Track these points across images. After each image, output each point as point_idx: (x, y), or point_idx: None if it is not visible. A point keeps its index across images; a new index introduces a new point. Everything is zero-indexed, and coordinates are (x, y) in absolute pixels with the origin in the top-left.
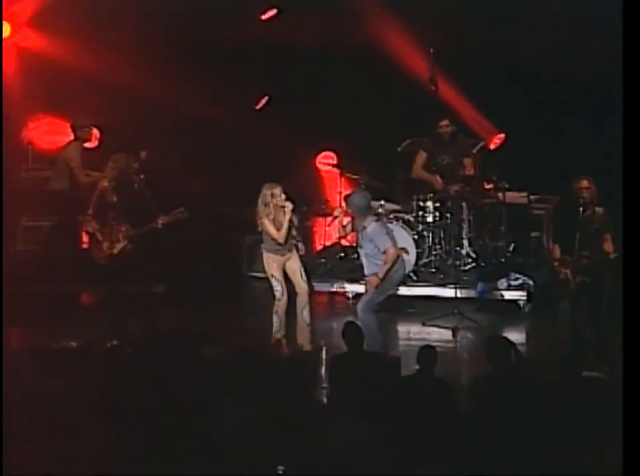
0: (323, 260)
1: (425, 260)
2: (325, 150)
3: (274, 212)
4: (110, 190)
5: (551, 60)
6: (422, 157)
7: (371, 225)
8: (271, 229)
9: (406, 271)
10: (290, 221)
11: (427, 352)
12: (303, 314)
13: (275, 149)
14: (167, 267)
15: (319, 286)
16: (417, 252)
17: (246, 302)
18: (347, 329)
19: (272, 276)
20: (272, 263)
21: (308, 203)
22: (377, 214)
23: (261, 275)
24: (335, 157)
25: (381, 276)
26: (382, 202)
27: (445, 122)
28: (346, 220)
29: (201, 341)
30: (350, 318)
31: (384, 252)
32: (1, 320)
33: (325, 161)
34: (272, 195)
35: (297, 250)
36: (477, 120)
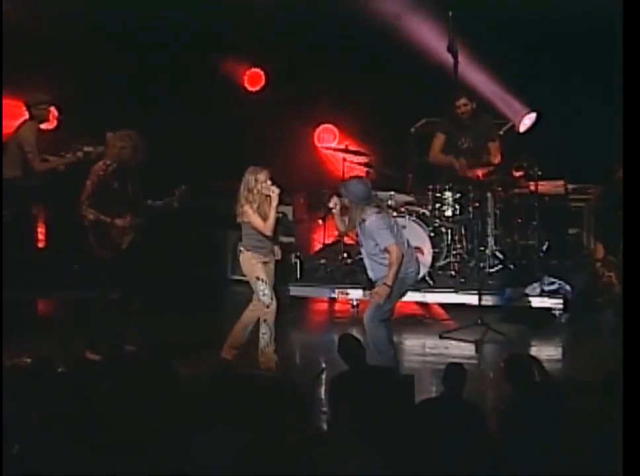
0: (323, 262)
1: (443, 262)
2: (324, 123)
3: (259, 200)
4: (110, 173)
5: (591, 23)
6: (440, 139)
7: (370, 218)
8: (255, 218)
9: (421, 274)
10: (277, 209)
11: (455, 370)
12: (248, 328)
13: (267, 127)
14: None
15: (317, 292)
16: (433, 252)
17: (230, 310)
18: (343, 343)
19: (258, 278)
20: (255, 264)
21: (307, 193)
22: (379, 205)
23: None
24: (336, 133)
25: (390, 282)
26: (392, 193)
27: (463, 101)
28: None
29: (177, 356)
30: (348, 331)
31: (385, 251)
32: (1, 325)
33: (325, 145)
34: (256, 180)
35: (274, 254)
36: (503, 97)
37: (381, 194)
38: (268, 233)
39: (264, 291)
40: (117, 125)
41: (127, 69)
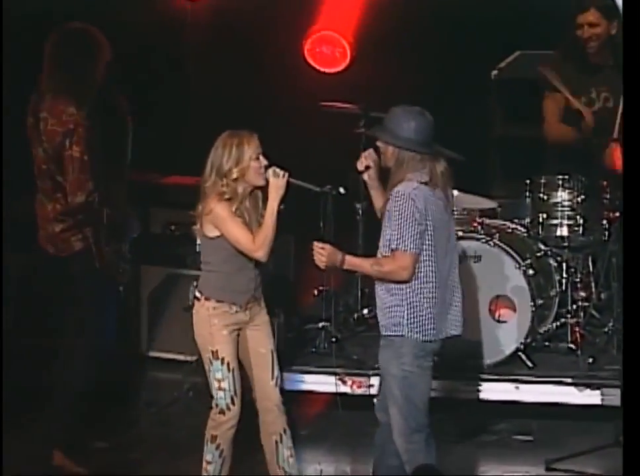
0: (323, 324)
1: (552, 324)
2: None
3: (242, 194)
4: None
5: None
6: (555, 100)
7: (395, 190)
8: (235, 227)
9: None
10: (279, 209)
11: None
12: (280, 455)
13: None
14: None
15: (313, 383)
16: (534, 306)
17: (143, 423)
18: None
19: (216, 356)
20: (218, 327)
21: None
22: (430, 177)
23: (180, 357)
24: (345, 47)
25: (349, 263)
26: (454, 193)
27: (591, 15)
28: None
29: None
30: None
31: (390, 256)
32: (1, 327)
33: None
34: (240, 156)
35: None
36: None
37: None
38: (260, 253)
39: (220, 383)
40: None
41: None
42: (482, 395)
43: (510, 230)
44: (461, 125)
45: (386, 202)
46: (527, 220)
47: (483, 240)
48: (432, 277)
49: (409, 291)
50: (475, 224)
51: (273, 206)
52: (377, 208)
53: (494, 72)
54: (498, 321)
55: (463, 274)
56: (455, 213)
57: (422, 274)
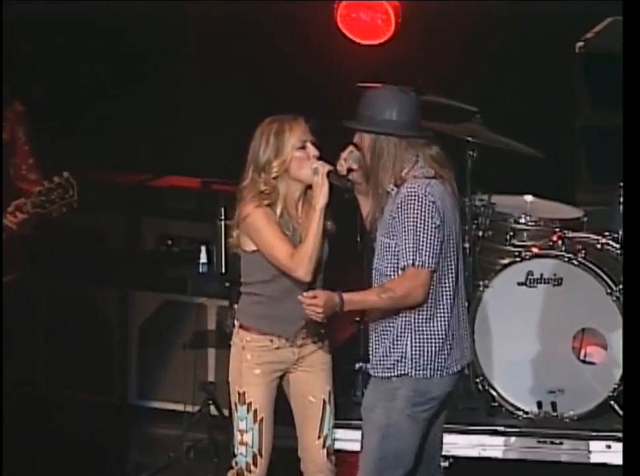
0: (358, 367)
1: None
2: None
3: (286, 193)
4: None
5: None
6: None
7: (405, 189)
8: (274, 241)
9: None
10: (325, 217)
11: None
12: None
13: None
14: None
15: (347, 439)
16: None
17: None
18: None
19: (242, 399)
20: (250, 364)
21: None
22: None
23: (178, 407)
24: (390, 13)
25: (350, 303)
26: (530, 199)
27: None
28: None
29: None
30: None
31: (400, 272)
32: (1, 323)
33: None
34: (280, 140)
35: (308, 337)
36: None
37: (503, 202)
38: (300, 272)
39: (243, 435)
40: None
41: None
42: (563, 456)
43: (599, 246)
44: (538, 113)
45: (377, 208)
46: (622, 233)
47: (565, 259)
48: (449, 296)
49: (417, 316)
50: (555, 238)
51: (316, 210)
52: (366, 217)
53: (580, 44)
54: (584, 362)
55: (539, 301)
56: (529, 223)
57: (436, 293)
